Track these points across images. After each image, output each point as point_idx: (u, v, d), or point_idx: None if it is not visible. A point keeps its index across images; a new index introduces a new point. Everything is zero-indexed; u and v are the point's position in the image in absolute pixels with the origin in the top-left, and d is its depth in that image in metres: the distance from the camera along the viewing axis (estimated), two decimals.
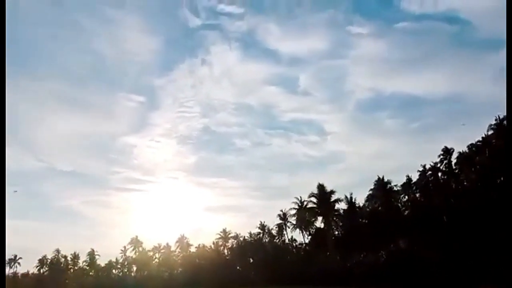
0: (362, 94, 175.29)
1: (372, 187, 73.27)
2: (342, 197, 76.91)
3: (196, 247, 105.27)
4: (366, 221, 71.98)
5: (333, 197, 77.31)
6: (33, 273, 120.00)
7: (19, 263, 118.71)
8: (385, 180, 71.84)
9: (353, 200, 76.35)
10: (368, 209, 74.17)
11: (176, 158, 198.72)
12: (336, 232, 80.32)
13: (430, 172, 65.73)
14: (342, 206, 77.26)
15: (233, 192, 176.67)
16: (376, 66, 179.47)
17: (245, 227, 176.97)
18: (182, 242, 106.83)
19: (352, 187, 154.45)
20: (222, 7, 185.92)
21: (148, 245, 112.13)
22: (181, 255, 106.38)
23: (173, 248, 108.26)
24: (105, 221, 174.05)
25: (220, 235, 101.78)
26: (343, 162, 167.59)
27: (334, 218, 78.82)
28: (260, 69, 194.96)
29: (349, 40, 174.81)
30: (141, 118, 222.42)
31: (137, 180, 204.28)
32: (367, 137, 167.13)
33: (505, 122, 54.19)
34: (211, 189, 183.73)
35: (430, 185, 65.84)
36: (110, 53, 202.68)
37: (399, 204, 71.63)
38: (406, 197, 70.87)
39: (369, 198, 74.22)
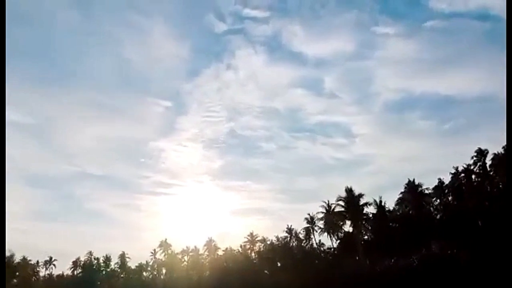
0: (390, 95, 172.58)
1: (403, 190, 71.80)
2: (371, 200, 75.69)
3: (223, 251, 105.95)
4: (397, 225, 70.52)
5: (362, 201, 76.12)
6: (67, 275, 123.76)
7: (54, 265, 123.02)
8: (416, 183, 70.21)
9: (383, 204, 74.96)
10: (398, 213, 72.64)
11: (202, 162, 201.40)
12: (366, 237, 79.00)
13: (463, 175, 63.90)
14: (371, 210, 76.01)
15: (259, 195, 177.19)
16: (404, 67, 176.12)
17: (271, 230, 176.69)
18: (210, 245, 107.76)
19: (381, 190, 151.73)
20: (247, 11, 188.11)
21: (176, 248, 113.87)
22: (209, 258, 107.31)
23: (201, 251, 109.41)
24: (135, 224, 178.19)
25: (247, 238, 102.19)
26: (371, 165, 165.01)
27: (363, 222, 77.51)
28: (285, 72, 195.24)
29: (375, 40, 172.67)
30: (169, 122, 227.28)
31: (165, 184, 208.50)
32: (396, 139, 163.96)
33: None
34: (238, 192, 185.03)
35: (463, 187, 63.92)
36: (138, 60, 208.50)
37: (431, 208, 69.83)
38: (438, 200, 69.02)
39: (399, 202, 72.70)
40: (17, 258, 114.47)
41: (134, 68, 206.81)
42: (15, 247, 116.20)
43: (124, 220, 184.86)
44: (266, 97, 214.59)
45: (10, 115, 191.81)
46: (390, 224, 72.86)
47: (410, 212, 70.39)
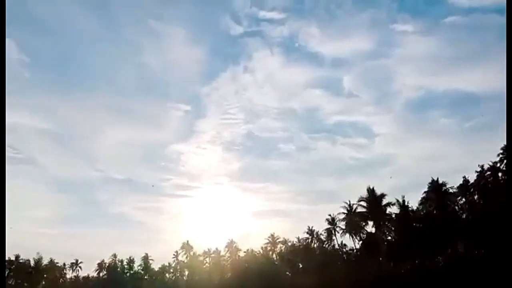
0: (410, 94, 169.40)
1: (426, 189, 70.12)
2: (394, 200, 74.26)
3: (244, 252, 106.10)
4: (421, 225, 68.93)
5: (384, 201, 74.96)
6: (92, 277, 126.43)
7: (80, 267, 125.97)
8: (440, 182, 68.45)
9: (406, 204, 73.38)
10: (422, 213, 70.98)
11: (221, 164, 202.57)
12: (389, 237, 77.56)
13: (489, 173, 61.91)
14: (394, 210, 74.58)
15: (279, 197, 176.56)
16: (424, 64, 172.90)
17: (292, 232, 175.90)
18: (231, 247, 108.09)
19: (404, 190, 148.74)
20: (264, 13, 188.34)
21: (198, 249, 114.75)
22: (231, 260, 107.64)
23: (222, 253, 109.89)
24: (157, 226, 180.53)
25: (268, 240, 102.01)
26: (393, 165, 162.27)
27: (386, 223, 76.16)
28: (303, 72, 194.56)
29: (394, 38, 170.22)
30: (188, 126, 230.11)
31: (185, 186, 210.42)
32: (418, 138, 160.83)
33: None
34: (257, 194, 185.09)
35: (489, 186, 61.93)
36: (157, 65, 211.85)
37: (456, 207, 67.94)
38: (463, 199, 67.10)
39: (423, 202, 70.99)
40: (45, 261, 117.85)
41: (153, 73, 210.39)
42: (43, 251, 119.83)
43: (146, 223, 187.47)
44: (283, 98, 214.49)
45: (37, 123, 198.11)
46: (414, 224, 71.20)
47: (434, 211, 68.64)
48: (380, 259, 74.27)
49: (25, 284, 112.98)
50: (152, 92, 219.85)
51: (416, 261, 68.61)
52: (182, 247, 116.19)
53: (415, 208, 72.97)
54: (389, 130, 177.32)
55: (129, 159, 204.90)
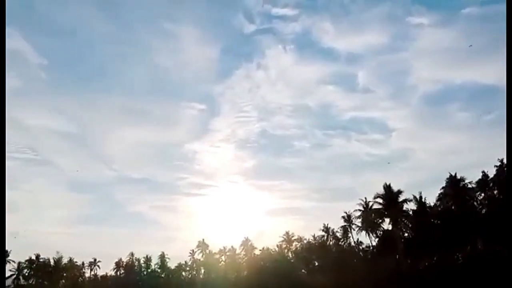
0: (427, 87, 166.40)
1: (444, 185, 68.81)
2: (411, 197, 73.11)
3: (260, 250, 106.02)
4: (438, 222, 67.68)
5: (401, 197, 73.90)
6: (110, 275, 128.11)
7: (98, 266, 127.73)
8: (458, 177, 67.08)
9: (423, 200, 72.14)
10: (440, 209, 69.65)
11: (235, 162, 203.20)
12: (406, 234, 76.35)
13: None
14: (411, 206, 73.47)
15: (294, 194, 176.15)
16: (441, 57, 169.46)
17: (307, 229, 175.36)
18: (246, 245, 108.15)
19: (421, 186, 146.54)
20: (276, 10, 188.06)
21: (214, 248, 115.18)
22: (246, 258, 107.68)
23: (238, 251, 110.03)
24: (173, 225, 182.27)
25: (283, 238, 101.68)
26: (410, 160, 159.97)
27: (403, 219, 75.01)
28: (316, 69, 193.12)
29: (409, 32, 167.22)
30: (202, 124, 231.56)
31: (200, 185, 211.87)
32: (436, 132, 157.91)
33: None
34: (271, 192, 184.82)
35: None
36: (171, 65, 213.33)
37: (475, 203, 66.46)
38: (482, 194, 65.56)
39: (440, 197, 69.68)
40: (65, 260, 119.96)
41: (167, 73, 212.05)
42: (63, 250, 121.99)
43: (163, 222, 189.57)
44: (297, 95, 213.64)
45: (55, 125, 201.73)
46: (432, 220, 70.01)
47: (453, 207, 67.30)
48: (397, 256, 73.20)
49: (45, 282, 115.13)
50: (166, 92, 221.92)
51: (435, 258, 67.31)
52: (198, 246, 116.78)
53: (432, 204, 71.84)
54: (406, 125, 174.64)
55: (144, 159, 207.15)
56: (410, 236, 74.71)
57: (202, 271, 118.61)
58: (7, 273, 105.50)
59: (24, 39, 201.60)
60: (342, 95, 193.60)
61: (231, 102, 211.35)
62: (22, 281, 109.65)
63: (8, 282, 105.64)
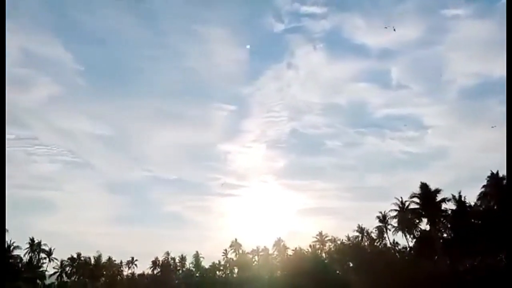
0: (465, 82, 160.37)
1: (485, 183, 65.95)
2: (449, 196, 70.53)
3: (293, 250, 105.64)
4: (479, 222, 64.94)
5: (439, 197, 71.36)
6: (147, 274, 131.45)
7: (136, 265, 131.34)
8: (500, 175, 64.07)
9: (463, 199, 69.41)
10: (481, 208, 66.80)
11: (266, 162, 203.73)
12: (445, 235, 73.78)
13: None
14: (449, 206, 70.90)
15: (326, 194, 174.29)
16: (479, 49, 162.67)
17: (339, 229, 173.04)
18: (279, 245, 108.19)
19: (460, 184, 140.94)
20: (305, 9, 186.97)
21: (247, 247, 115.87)
22: (279, 258, 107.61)
23: (271, 251, 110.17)
24: (206, 224, 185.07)
25: (316, 238, 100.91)
26: (447, 158, 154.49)
27: (442, 220, 72.51)
28: (347, 66, 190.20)
29: (444, 24, 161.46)
30: (233, 125, 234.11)
31: (233, 185, 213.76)
32: (475, 128, 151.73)
33: None
34: (303, 191, 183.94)
35: None
36: (201, 68, 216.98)
37: None
38: None
39: (481, 196, 66.82)
40: (104, 259, 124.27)
41: (198, 76, 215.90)
42: (102, 249, 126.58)
43: (196, 221, 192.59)
44: (328, 94, 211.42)
45: (92, 128, 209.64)
46: (472, 220, 67.26)
47: (495, 207, 64.37)
48: (436, 257, 70.81)
49: (87, 280, 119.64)
50: (197, 94, 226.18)
51: (476, 260, 64.63)
52: (231, 245, 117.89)
53: (473, 203, 68.98)
54: (443, 121, 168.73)
55: (178, 160, 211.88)
56: (450, 237, 72.10)
57: (236, 270, 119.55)
58: (51, 271, 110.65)
59: (63, 46, 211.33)
60: (374, 92, 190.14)
61: (261, 103, 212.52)
62: (65, 278, 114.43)
63: (52, 279, 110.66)
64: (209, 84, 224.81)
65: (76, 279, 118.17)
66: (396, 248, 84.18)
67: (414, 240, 77.63)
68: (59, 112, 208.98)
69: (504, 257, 60.32)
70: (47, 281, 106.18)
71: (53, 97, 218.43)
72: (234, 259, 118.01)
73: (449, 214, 70.83)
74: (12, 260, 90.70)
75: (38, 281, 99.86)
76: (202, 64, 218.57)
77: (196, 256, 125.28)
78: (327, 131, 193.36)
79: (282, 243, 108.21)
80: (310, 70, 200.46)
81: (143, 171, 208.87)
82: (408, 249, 79.83)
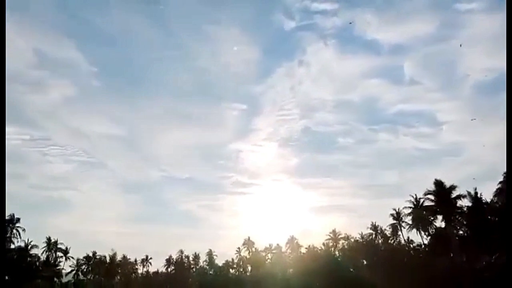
0: (479, 77, 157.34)
1: (501, 179, 64.82)
2: (465, 192, 69.56)
3: (306, 248, 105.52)
4: (496, 218, 63.91)
5: (454, 193, 70.41)
6: (161, 272, 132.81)
7: (150, 263, 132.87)
8: None
9: (479, 196, 68.39)
10: (497, 205, 65.70)
11: (278, 160, 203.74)
12: (461, 232, 72.84)
13: None
14: (465, 203, 69.89)
15: (339, 191, 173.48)
16: (494, 44, 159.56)
17: (353, 227, 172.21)
18: (292, 243, 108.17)
19: (476, 181, 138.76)
20: (316, 5, 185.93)
21: (259, 245, 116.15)
22: (292, 255, 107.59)
23: (283, 249, 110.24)
24: (219, 223, 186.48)
25: (329, 236, 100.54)
26: (462, 154, 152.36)
27: (457, 217, 71.57)
28: (359, 62, 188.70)
29: (458, 19, 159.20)
30: (245, 124, 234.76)
31: (245, 184, 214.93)
32: (490, 124, 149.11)
33: None
34: (316, 189, 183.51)
35: None
36: (212, 68, 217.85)
37: None
38: None
39: (498, 193, 65.69)
40: (118, 257, 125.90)
41: (209, 75, 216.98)
42: (116, 247, 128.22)
43: (209, 220, 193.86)
44: (340, 91, 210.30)
45: (107, 129, 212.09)
46: (489, 217, 66.26)
47: None
48: (452, 255, 70.01)
49: (102, 278, 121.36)
50: (209, 93, 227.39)
51: (493, 257, 63.64)
52: (244, 243, 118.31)
53: (489, 200, 67.95)
54: (457, 117, 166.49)
55: (190, 159, 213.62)
56: (466, 234, 71.19)
57: (249, 268, 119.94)
58: (68, 269, 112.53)
59: (76, 48, 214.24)
60: (387, 88, 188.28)
61: (272, 101, 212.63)
62: (81, 277, 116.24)
63: (69, 277, 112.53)
64: (221, 84, 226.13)
65: (91, 277, 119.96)
66: (411, 245, 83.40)
67: (429, 237, 76.88)
68: (73, 113, 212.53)
69: None
70: (64, 279, 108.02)
71: (67, 98, 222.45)
72: (247, 257, 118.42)
73: (464, 211, 69.84)
74: (30, 259, 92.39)
75: (55, 279, 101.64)
76: (213, 63, 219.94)
77: (210, 254, 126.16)
78: (339, 128, 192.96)
79: (295, 241, 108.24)
80: (322, 67, 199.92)
81: (156, 171, 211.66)
82: (423, 246, 79.08)
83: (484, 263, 63.93)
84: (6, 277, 79.65)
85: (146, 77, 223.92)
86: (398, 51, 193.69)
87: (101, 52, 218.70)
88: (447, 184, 71.14)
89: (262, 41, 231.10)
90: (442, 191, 70.76)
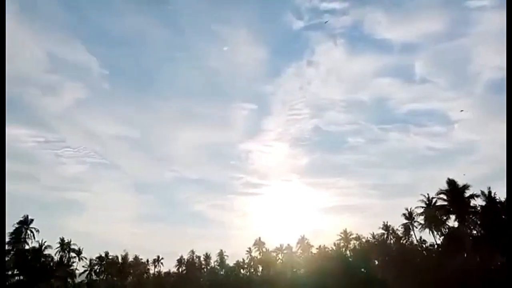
0: (492, 74, 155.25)
1: None
2: (478, 192, 68.76)
3: (317, 248, 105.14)
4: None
5: (467, 193, 69.70)
6: (173, 272, 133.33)
7: (162, 263, 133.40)
8: None
9: (493, 195, 67.51)
10: None
11: (289, 160, 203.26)
12: (474, 232, 71.92)
13: None
14: (478, 202, 69.08)
15: (349, 191, 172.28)
16: (505, 41, 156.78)
17: (365, 227, 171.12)
18: (303, 243, 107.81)
19: (489, 180, 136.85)
20: (325, 5, 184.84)
21: (270, 246, 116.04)
22: (303, 256, 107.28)
23: (294, 249, 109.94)
24: (230, 223, 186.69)
25: (340, 236, 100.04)
26: (475, 153, 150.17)
27: (471, 216, 70.71)
28: (369, 62, 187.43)
29: (469, 16, 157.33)
30: (255, 124, 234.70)
31: (255, 184, 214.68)
32: (503, 122, 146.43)
33: None
34: (326, 189, 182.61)
35: None
36: (222, 68, 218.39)
37: None
38: None
39: None
40: (130, 257, 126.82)
41: (219, 76, 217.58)
42: (128, 248, 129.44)
43: (220, 220, 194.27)
44: (350, 90, 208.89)
45: (119, 130, 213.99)
46: (503, 217, 65.32)
47: None
48: (465, 255, 69.15)
49: (115, 278, 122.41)
50: (219, 94, 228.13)
51: (507, 258, 62.68)
52: (255, 244, 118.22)
53: (503, 199, 66.96)
54: (470, 115, 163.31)
55: (200, 160, 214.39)
56: (479, 234, 70.29)
57: (260, 268, 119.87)
58: (81, 269, 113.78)
59: (87, 51, 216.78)
60: (398, 87, 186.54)
61: (282, 101, 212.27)
62: (94, 277, 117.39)
63: (82, 277, 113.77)
64: (230, 84, 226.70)
65: (104, 278, 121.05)
66: (423, 245, 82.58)
67: (442, 237, 76.06)
68: (86, 115, 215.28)
69: None
70: (77, 279, 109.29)
71: (80, 100, 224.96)
72: (258, 257, 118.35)
73: (478, 211, 69.05)
74: (44, 259, 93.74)
75: (68, 279, 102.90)
76: (222, 64, 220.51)
77: (221, 255, 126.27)
78: (350, 128, 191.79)
79: (306, 241, 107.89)
80: (332, 67, 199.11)
81: (167, 171, 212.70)
82: (436, 246, 78.25)
83: (498, 263, 63.10)
84: (21, 277, 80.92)
85: (156, 78, 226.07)
86: (409, 49, 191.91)
87: (112, 54, 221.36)
88: (460, 183, 70.49)
89: (271, 41, 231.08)
90: (455, 190, 70.13)
